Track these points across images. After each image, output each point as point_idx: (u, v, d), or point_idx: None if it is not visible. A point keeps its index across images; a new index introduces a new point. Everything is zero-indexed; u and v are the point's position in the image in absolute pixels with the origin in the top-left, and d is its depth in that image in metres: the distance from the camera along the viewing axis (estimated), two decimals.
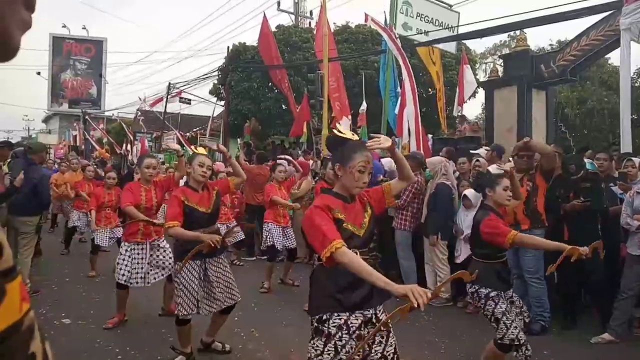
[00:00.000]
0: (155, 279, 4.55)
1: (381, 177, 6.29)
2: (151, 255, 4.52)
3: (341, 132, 2.28)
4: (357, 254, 2.08)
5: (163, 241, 4.63)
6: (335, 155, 2.33)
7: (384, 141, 2.32)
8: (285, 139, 16.88)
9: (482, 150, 6.38)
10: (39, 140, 15.40)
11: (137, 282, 4.42)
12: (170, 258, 4.48)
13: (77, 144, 25.54)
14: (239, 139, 15.42)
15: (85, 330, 4.39)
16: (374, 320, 2.22)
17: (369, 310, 2.21)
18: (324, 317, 2.14)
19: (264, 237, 6.23)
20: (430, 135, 9.65)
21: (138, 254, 4.46)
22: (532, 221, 4.49)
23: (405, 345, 4.15)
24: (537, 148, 4.49)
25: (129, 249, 4.44)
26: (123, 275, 4.37)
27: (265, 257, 6.57)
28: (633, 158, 4.74)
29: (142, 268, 4.44)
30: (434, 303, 5.44)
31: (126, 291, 4.54)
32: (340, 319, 2.13)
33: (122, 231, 6.48)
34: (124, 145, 21.24)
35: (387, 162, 7.07)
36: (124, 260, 4.41)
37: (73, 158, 10.02)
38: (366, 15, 8.94)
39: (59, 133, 38.13)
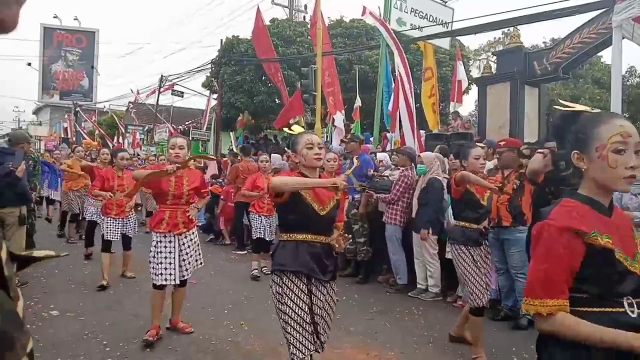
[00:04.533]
0: (187, 275, 4.03)
1: (371, 171, 6.30)
2: (180, 251, 3.98)
3: (569, 106, 1.57)
4: (633, 305, 1.37)
5: (193, 236, 4.08)
6: (570, 140, 1.53)
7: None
8: (278, 133, 16.85)
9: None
10: (29, 132, 15.24)
11: (165, 280, 3.86)
12: (199, 255, 4.12)
13: (68, 136, 25.35)
14: (231, 133, 15.35)
15: (73, 322, 4.36)
16: None
17: None
18: None
19: (253, 227, 6.43)
20: (422, 131, 9.64)
21: (165, 247, 3.92)
22: (514, 218, 4.55)
23: (394, 338, 4.18)
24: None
25: (156, 242, 3.94)
26: (155, 274, 3.87)
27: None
28: None
29: (170, 263, 3.88)
30: (424, 297, 5.48)
31: (161, 294, 3.94)
32: None
33: (132, 225, 6.01)
34: (116, 137, 21.16)
35: (383, 156, 7.08)
36: (154, 257, 3.91)
37: (62, 150, 9.85)
38: (364, 8, 8.89)
39: (49, 125, 37.83)
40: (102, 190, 5.68)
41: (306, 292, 2.55)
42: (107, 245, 5.75)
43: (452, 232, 3.89)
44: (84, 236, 7.60)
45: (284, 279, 2.54)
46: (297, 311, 2.49)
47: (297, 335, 2.47)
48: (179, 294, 4.18)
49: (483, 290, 3.61)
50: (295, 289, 2.53)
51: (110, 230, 5.76)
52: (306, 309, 2.51)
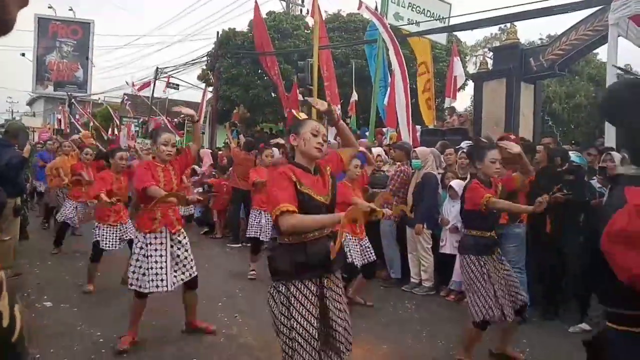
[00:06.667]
0: (181, 280, 3.68)
1: (365, 166, 6.29)
2: (172, 252, 3.67)
3: None
4: None
5: (184, 236, 3.79)
6: None
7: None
8: (273, 126, 16.82)
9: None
10: (22, 123, 14.99)
11: (157, 287, 3.50)
12: (191, 257, 3.78)
13: (62, 127, 25.15)
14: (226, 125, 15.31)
15: (67, 314, 4.35)
16: None
17: None
18: None
19: (249, 224, 6.19)
20: (418, 127, 9.66)
21: (156, 249, 3.56)
22: (510, 217, 4.60)
23: (387, 332, 4.21)
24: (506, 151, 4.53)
25: (144, 244, 3.57)
26: (137, 279, 3.52)
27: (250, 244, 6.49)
28: (612, 152, 4.76)
29: (161, 268, 3.54)
30: (417, 292, 5.50)
31: (143, 302, 3.64)
32: None
33: (130, 230, 5.18)
34: (110, 129, 21.02)
35: (379, 151, 7.08)
36: (138, 260, 3.56)
37: (65, 141, 9.44)
38: (360, 2, 8.85)
39: (43, 116, 37.56)
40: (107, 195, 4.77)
41: (318, 299, 2.27)
42: (98, 255, 5.14)
43: (464, 242, 3.66)
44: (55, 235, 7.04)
45: (291, 288, 2.23)
46: (305, 326, 2.18)
47: (306, 355, 2.16)
48: (191, 297, 3.89)
49: (486, 304, 3.34)
50: (303, 299, 2.22)
51: (107, 238, 5.12)
52: (315, 322, 2.21)
